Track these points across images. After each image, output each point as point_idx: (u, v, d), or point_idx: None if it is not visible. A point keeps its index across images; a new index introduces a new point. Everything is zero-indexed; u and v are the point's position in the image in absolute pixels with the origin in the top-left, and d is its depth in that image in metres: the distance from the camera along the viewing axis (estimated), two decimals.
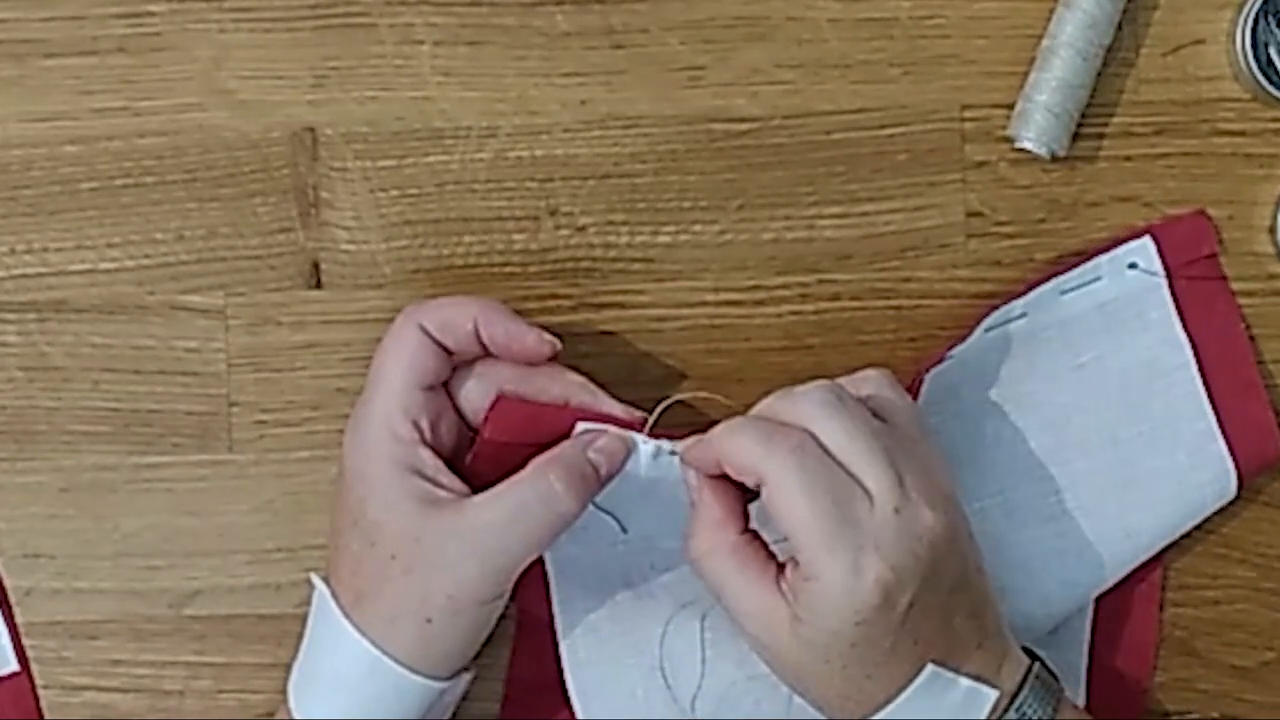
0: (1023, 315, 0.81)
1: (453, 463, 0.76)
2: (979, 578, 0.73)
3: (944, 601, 0.71)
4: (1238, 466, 0.80)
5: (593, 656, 0.78)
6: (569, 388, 0.77)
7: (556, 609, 0.79)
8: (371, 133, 0.82)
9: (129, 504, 0.82)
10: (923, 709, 0.71)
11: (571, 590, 0.79)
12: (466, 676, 0.76)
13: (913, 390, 0.80)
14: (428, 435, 0.75)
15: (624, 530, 0.78)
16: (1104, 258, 0.82)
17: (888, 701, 0.71)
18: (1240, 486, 0.81)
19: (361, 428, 0.75)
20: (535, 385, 0.77)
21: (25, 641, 0.82)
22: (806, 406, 0.71)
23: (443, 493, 0.74)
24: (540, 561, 0.78)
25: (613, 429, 0.75)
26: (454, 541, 0.73)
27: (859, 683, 0.70)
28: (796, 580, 0.70)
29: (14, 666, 0.82)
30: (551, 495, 0.73)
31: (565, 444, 0.75)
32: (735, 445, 0.71)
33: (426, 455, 0.75)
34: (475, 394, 0.77)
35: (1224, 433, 0.80)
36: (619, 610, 0.78)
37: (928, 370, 0.81)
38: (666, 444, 0.76)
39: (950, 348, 0.81)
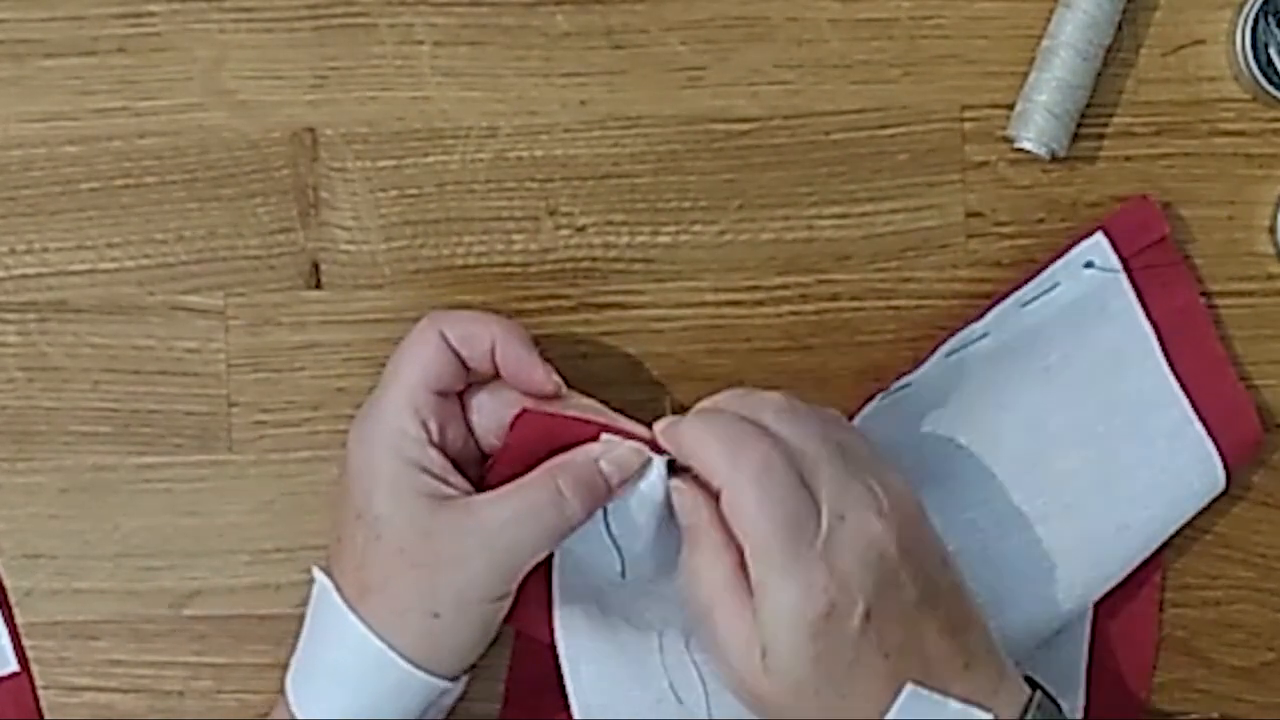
0: (984, 336, 0.81)
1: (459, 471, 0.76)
2: (955, 596, 0.73)
3: (909, 614, 0.71)
4: (1220, 450, 0.80)
5: (597, 684, 0.78)
6: (585, 412, 0.76)
7: (559, 636, 0.78)
8: (371, 133, 0.82)
9: (129, 504, 0.82)
10: None
11: (575, 619, 0.78)
12: (464, 680, 0.76)
13: (859, 409, 0.80)
14: (435, 437, 0.75)
15: (623, 575, 0.77)
16: (1058, 264, 0.81)
17: None
18: (1228, 471, 0.80)
19: (371, 422, 0.75)
20: (551, 407, 0.76)
21: (25, 641, 0.82)
22: (768, 408, 0.72)
23: (451, 490, 0.74)
24: (547, 588, 0.78)
25: (631, 442, 0.75)
26: (464, 537, 0.73)
27: (835, 705, 0.70)
28: (755, 606, 0.71)
29: (14, 666, 0.82)
30: (559, 499, 0.73)
31: (577, 450, 0.75)
32: (702, 448, 0.72)
33: (434, 454, 0.75)
34: (488, 410, 0.77)
35: (1200, 416, 0.80)
36: (624, 639, 0.78)
37: (875, 395, 0.81)
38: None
39: (900, 376, 0.81)
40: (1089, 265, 0.81)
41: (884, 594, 0.70)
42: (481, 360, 0.76)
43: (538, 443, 0.75)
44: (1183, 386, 0.80)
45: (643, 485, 0.75)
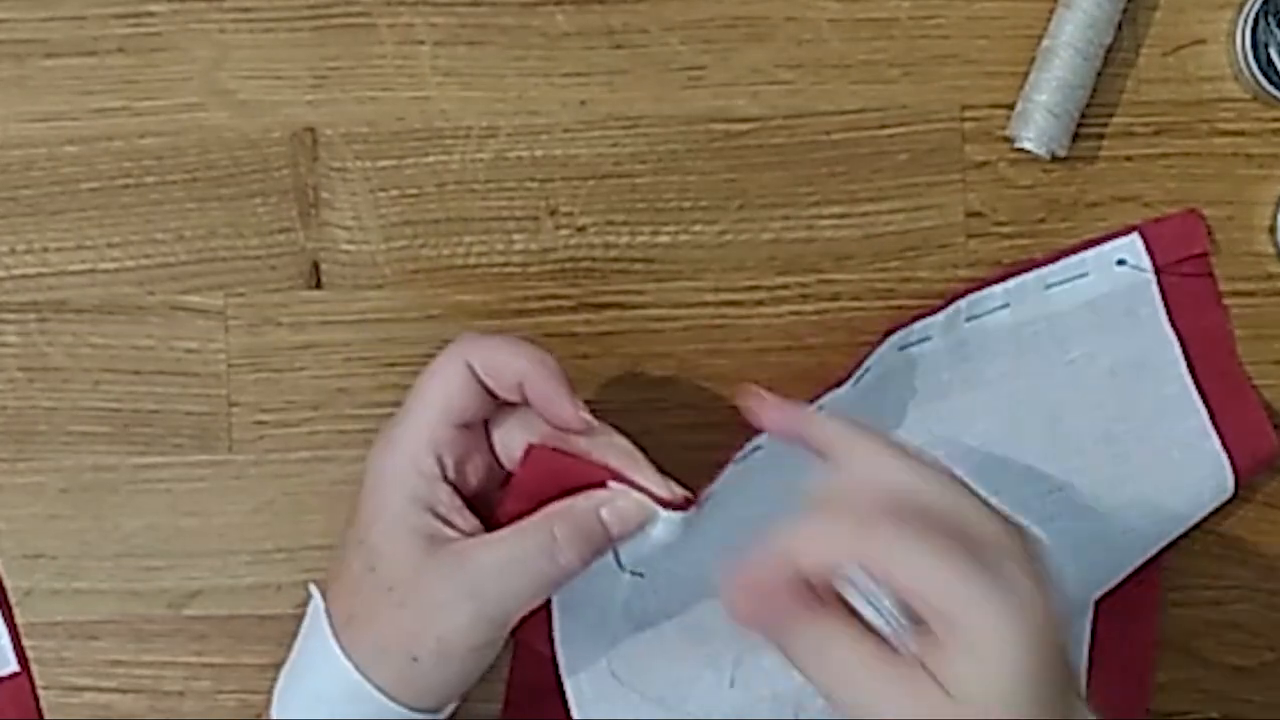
0: (1004, 306, 0.81)
1: (478, 502, 0.74)
2: None
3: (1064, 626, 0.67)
4: (1233, 463, 0.80)
5: (597, 693, 0.78)
6: (609, 450, 0.74)
7: (559, 645, 0.78)
8: (371, 133, 0.82)
9: (129, 504, 0.82)
10: None
11: (575, 627, 0.78)
12: (451, 708, 0.76)
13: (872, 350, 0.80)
14: (450, 473, 0.73)
15: (641, 576, 0.77)
16: (1089, 253, 0.82)
17: None
18: (1238, 484, 0.81)
19: (389, 451, 0.73)
20: (576, 442, 0.74)
21: (25, 641, 0.82)
22: (871, 464, 0.67)
23: (453, 532, 0.72)
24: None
25: (636, 494, 0.73)
26: (449, 583, 0.71)
27: None
28: (938, 657, 0.64)
29: (14, 667, 0.82)
30: (552, 548, 0.72)
31: (579, 497, 0.73)
32: (817, 540, 0.66)
33: (444, 492, 0.73)
34: (514, 436, 0.75)
35: (1217, 429, 0.81)
36: (622, 644, 0.78)
37: (891, 332, 0.80)
38: (694, 513, 0.73)
39: (918, 318, 0.81)
40: (1121, 263, 0.81)
41: (1056, 609, 0.65)
42: (509, 391, 0.73)
43: (545, 481, 0.73)
44: (1204, 400, 0.81)
45: (651, 532, 0.73)
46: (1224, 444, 0.80)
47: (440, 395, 0.73)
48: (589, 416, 0.73)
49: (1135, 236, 0.82)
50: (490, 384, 0.73)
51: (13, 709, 0.82)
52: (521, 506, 0.73)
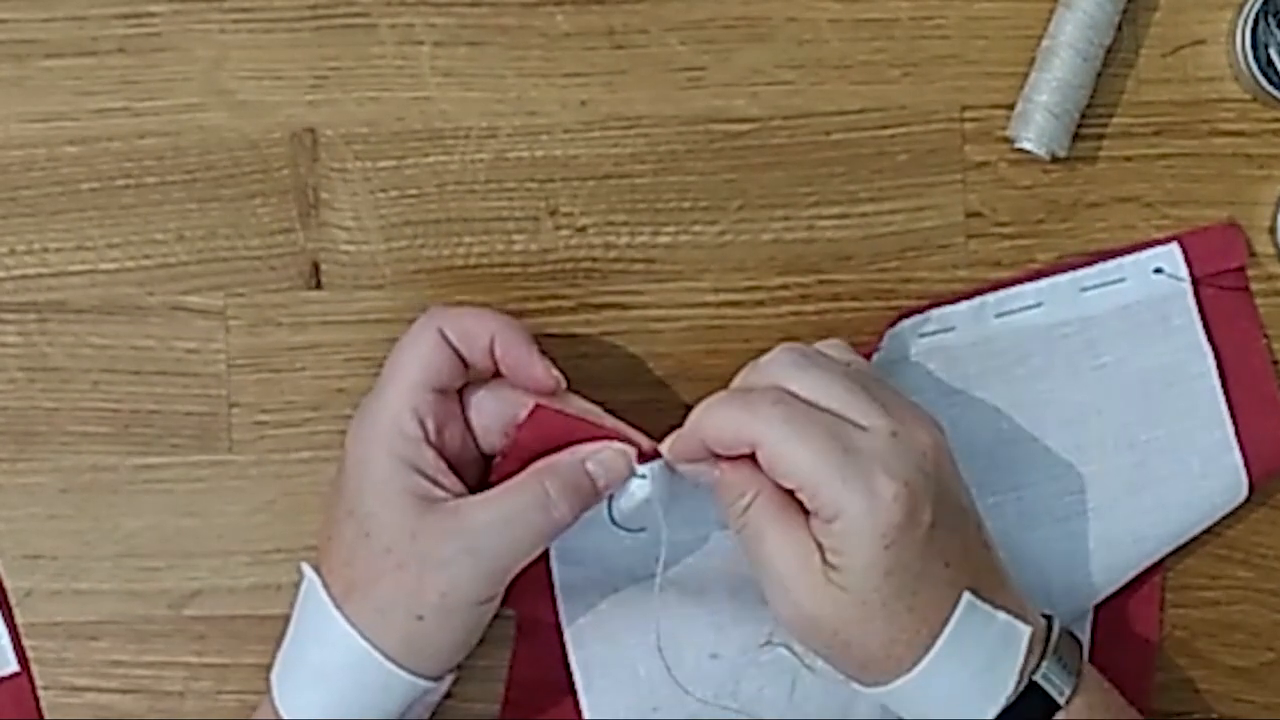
0: (1037, 305, 0.81)
1: (453, 469, 0.76)
2: (979, 515, 0.74)
3: (960, 522, 0.72)
4: (1250, 478, 0.80)
5: (596, 636, 0.78)
6: (582, 413, 0.76)
7: (559, 592, 0.79)
8: (371, 133, 0.82)
9: (129, 504, 0.82)
10: (967, 646, 0.71)
11: (574, 575, 0.79)
12: (450, 678, 0.76)
13: (874, 343, 0.80)
14: (433, 436, 0.75)
15: (643, 531, 0.78)
16: (1127, 259, 0.82)
17: (932, 639, 0.70)
18: (1250, 493, 0.81)
19: (369, 420, 0.75)
20: (552, 405, 0.76)
21: (25, 642, 0.82)
22: (776, 368, 0.72)
23: (442, 492, 0.74)
24: (542, 556, 0.78)
25: (616, 444, 0.75)
26: (450, 540, 0.73)
27: (901, 619, 0.70)
28: (819, 529, 0.71)
29: (14, 667, 0.82)
30: (546, 503, 0.74)
31: (565, 452, 0.75)
32: (715, 421, 0.72)
33: (429, 454, 0.75)
34: (488, 409, 0.77)
35: (1240, 444, 0.80)
36: (622, 594, 0.78)
37: (903, 318, 0.80)
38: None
39: (935, 304, 0.81)
40: (1158, 271, 0.81)
41: (942, 502, 0.71)
42: (481, 356, 0.76)
43: (547, 441, 0.75)
44: (1231, 413, 0.81)
45: (634, 488, 0.76)
46: (1244, 459, 0.80)
47: (416, 361, 0.75)
48: (559, 374, 0.75)
49: (1174, 246, 0.81)
50: (463, 350, 0.75)
51: (13, 709, 0.82)
52: (524, 462, 0.75)
